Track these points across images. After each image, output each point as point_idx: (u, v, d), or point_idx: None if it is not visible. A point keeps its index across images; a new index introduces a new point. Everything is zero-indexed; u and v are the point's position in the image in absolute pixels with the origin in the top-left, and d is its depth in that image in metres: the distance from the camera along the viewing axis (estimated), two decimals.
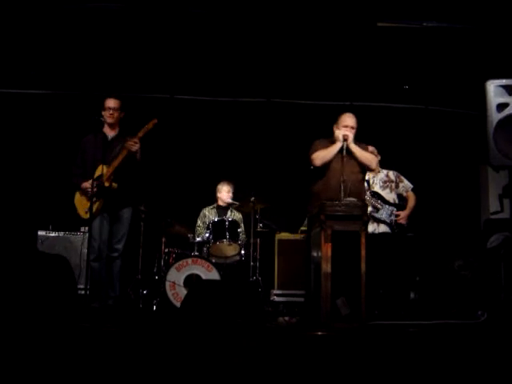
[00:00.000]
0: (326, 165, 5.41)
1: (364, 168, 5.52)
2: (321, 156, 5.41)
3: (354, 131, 5.45)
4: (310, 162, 5.50)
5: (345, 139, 5.32)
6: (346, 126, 5.43)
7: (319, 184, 5.46)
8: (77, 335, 3.73)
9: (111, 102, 5.59)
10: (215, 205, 7.20)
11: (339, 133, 5.39)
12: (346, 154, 5.31)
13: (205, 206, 7.25)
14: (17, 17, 6.26)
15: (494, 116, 4.45)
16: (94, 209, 5.25)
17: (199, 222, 7.17)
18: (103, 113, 5.56)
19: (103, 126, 5.56)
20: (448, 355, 3.63)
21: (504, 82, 4.49)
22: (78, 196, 5.56)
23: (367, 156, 5.49)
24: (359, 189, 5.42)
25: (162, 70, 7.47)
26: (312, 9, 6.19)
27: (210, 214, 7.10)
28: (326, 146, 5.45)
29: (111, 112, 5.55)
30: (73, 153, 5.85)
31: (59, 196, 7.18)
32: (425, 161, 7.91)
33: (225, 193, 7.11)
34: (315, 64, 7.29)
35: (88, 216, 5.20)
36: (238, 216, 7.10)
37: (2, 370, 3.19)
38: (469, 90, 7.02)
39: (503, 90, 4.48)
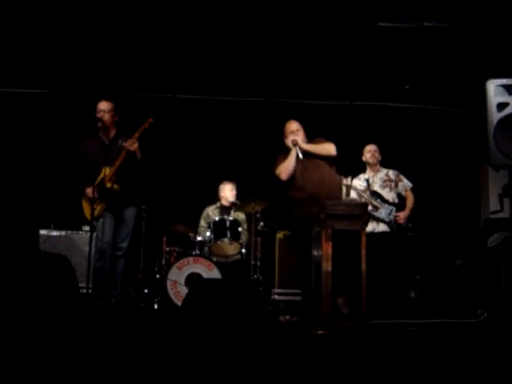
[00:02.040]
0: (293, 175, 5.57)
1: (328, 158, 5.60)
2: (283, 169, 5.59)
3: (300, 133, 5.65)
4: (278, 178, 5.65)
5: (294, 144, 5.53)
6: (291, 132, 5.63)
7: (293, 191, 5.60)
8: (78, 335, 3.75)
9: (100, 105, 5.56)
10: (218, 204, 7.16)
11: (288, 141, 5.62)
12: (303, 156, 5.49)
13: (208, 206, 7.21)
14: (18, 17, 6.27)
15: (494, 115, 4.46)
16: (98, 211, 5.35)
17: (202, 221, 7.13)
18: (97, 115, 5.56)
19: (100, 129, 5.57)
20: (448, 354, 3.64)
21: (504, 81, 4.50)
22: (84, 201, 5.59)
23: (322, 147, 5.61)
24: (330, 183, 5.53)
25: (164, 70, 7.48)
26: (313, 8, 6.20)
27: (213, 214, 7.06)
28: (284, 159, 5.60)
29: (101, 114, 5.52)
30: (74, 151, 5.86)
31: (61, 195, 7.21)
32: (425, 160, 7.92)
33: (228, 191, 7.07)
34: (315, 64, 7.29)
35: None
36: (241, 216, 7.06)
37: (4, 370, 3.21)
38: (469, 89, 7.04)
39: (503, 90, 4.49)
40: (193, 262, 6.32)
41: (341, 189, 5.54)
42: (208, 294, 4.76)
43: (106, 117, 5.52)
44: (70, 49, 6.94)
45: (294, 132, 5.63)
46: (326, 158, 5.58)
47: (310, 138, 5.70)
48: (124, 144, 5.39)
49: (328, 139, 5.74)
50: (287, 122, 5.77)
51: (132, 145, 5.37)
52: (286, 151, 5.67)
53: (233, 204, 7.03)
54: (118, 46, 6.93)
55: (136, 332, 4.07)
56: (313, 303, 4.99)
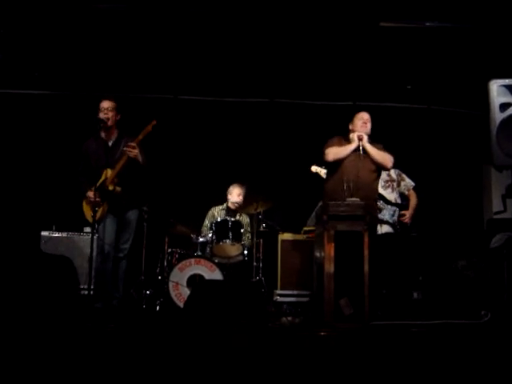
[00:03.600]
0: (339, 164, 5.48)
1: (379, 168, 5.59)
2: (334, 152, 5.51)
3: (369, 125, 5.60)
4: (322, 156, 5.58)
5: (360, 139, 5.44)
6: (361, 119, 5.59)
7: (332, 183, 5.53)
8: (80, 336, 3.74)
9: (104, 104, 5.55)
10: (225, 206, 7.16)
11: (354, 135, 5.51)
12: (362, 153, 5.40)
13: (214, 206, 7.21)
14: (20, 18, 6.27)
15: (497, 116, 4.44)
16: (100, 213, 5.34)
17: (207, 221, 7.12)
18: (99, 114, 5.55)
19: (102, 129, 5.55)
20: (451, 355, 3.62)
21: (507, 81, 4.47)
22: (85, 203, 5.58)
23: (383, 155, 5.56)
24: (371, 189, 5.47)
25: (166, 71, 7.48)
26: (315, 9, 6.19)
27: (218, 215, 7.06)
28: (341, 144, 5.53)
29: (105, 112, 5.51)
30: (76, 153, 5.86)
31: (63, 196, 7.21)
32: (428, 161, 7.90)
33: (235, 196, 7.07)
34: (318, 64, 7.28)
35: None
36: (245, 220, 7.04)
37: (6, 371, 3.20)
38: (471, 89, 7.02)
39: (506, 90, 4.47)
40: (195, 263, 6.31)
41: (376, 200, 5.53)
42: (210, 295, 4.75)
43: (110, 115, 5.52)
44: (71, 50, 6.94)
45: (364, 119, 5.60)
46: (378, 167, 5.57)
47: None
48: (124, 149, 5.38)
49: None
50: (361, 111, 5.72)
51: (131, 151, 5.35)
52: (343, 136, 5.63)
53: (239, 207, 7.02)
54: (119, 47, 6.92)
55: (138, 333, 4.06)
56: (316, 304, 4.98)
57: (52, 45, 6.86)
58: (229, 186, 7.17)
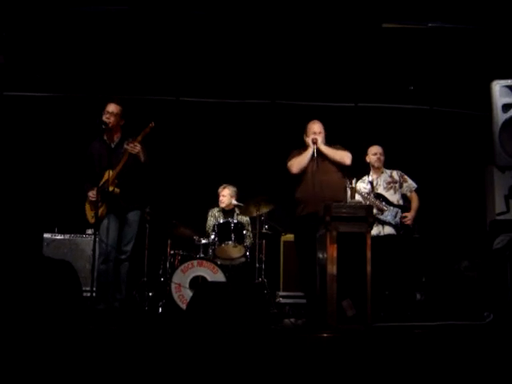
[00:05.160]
0: (303, 173, 5.68)
1: (341, 166, 5.72)
2: (295, 163, 5.72)
3: (321, 135, 5.77)
4: (288, 171, 5.77)
5: (314, 142, 5.65)
6: (314, 133, 5.75)
7: (299, 189, 5.73)
8: (82, 340, 3.74)
9: (109, 107, 5.58)
10: (220, 208, 7.18)
11: (308, 139, 5.75)
12: (318, 156, 5.61)
13: (212, 208, 7.23)
14: (22, 20, 6.28)
15: (500, 116, 4.43)
16: (99, 213, 5.31)
17: (210, 221, 7.15)
18: (102, 116, 5.56)
19: (105, 131, 5.56)
20: (454, 356, 3.62)
21: (510, 82, 4.47)
22: (87, 203, 5.60)
23: (338, 153, 5.74)
24: (338, 189, 5.56)
25: (168, 73, 7.48)
26: (317, 10, 6.19)
27: (218, 216, 7.09)
28: (299, 154, 5.72)
29: (107, 116, 5.53)
30: (79, 155, 5.88)
31: (65, 198, 7.21)
32: (430, 162, 7.89)
33: (221, 196, 7.11)
34: (320, 65, 7.29)
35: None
36: (244, 219, 7.06)
37: (8, 374, 3.20)
38: (474, 90, 7.01)
39: (509, 91, 4.46)
40: (197, 265, 6.32)
41: (345, 193, 5.55)
42: (212, 297, 4.75)
43: (112, 119, 5.54)
44: (73, 52, 6.95)
45: (316, 133, 5.74)
46: (339, 165, 5.70)
47: (330, 143, 5.82)
48: (126, 147, 5.40)
49: (332, 141, 5.83)
50: (311, 121, 5.88)
51: (134, 148, 5.37)
52: (302, 147, 5.80)
53: (234, 207, 7.03)
54: (121, 49, 6.94)
55: (140, 335, 4.05)
56: (318, 306, 4.97)
57: (54, 47, 6.87)
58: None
